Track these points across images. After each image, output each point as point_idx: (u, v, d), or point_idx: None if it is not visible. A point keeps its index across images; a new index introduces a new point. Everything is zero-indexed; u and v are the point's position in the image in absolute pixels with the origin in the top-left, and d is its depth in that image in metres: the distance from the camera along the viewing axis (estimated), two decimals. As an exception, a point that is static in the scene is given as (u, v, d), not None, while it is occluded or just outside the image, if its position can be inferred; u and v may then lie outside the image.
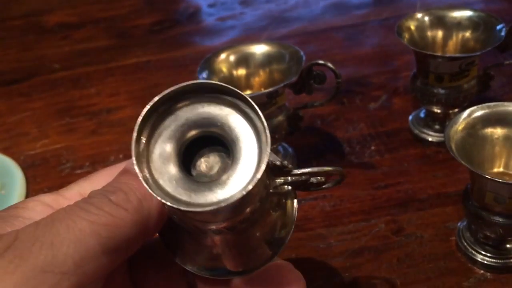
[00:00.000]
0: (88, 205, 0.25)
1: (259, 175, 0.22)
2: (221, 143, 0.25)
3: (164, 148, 0.24)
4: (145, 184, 0.23)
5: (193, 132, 0.24)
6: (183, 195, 0.23)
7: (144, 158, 0.24)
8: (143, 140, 0.24)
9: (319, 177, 0.30)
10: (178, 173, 0.24)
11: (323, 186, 0.31)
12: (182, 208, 0.22)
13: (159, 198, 0.22)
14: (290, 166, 0.27)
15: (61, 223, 0.24)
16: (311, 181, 0.29)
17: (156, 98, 0.24)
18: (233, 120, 0.24)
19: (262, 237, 0.27)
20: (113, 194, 0.25)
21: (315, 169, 0.29)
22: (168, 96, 0.24)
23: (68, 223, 0.24)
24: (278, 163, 0.26)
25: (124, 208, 0.25)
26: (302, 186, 0.30)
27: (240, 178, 0.23)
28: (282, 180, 0.29)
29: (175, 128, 0.24)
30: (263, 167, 0.22)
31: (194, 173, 0.25)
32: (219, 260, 0.27)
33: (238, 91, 0.24)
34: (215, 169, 0.25)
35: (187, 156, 0.25)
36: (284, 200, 0.29)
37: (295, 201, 0.29)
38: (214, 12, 0.84)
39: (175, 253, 0.28)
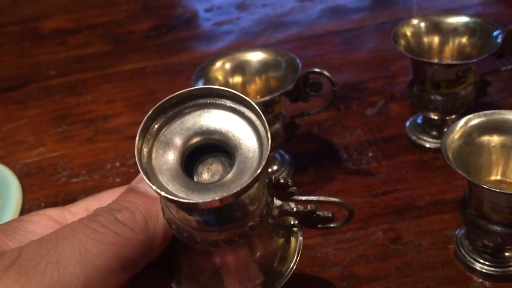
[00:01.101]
0: (94, 223, 0.24)
1: (257, 173, 0.22)
2: (224, 150, 0.25)
3: (168, 149, 0.24)
4: (143, 176, 0.23)
5: (198, 138, 0.24)
6: (180, 193, 0.23)
7: (147, 154, 0.24)
8: (149, 137, 0.24)
9: (326, 212, 0.30)
10: (179, 174, 0.24)
11: (331, 225, 0.31)
12: (176, 199, 0.22)
13: (154, 188, 0.22)
14: (294, 188, 0.27)
15: (66, 241, 0.23)
16: (318, 214, 0.29)
17: (166, 99, 0.24)
18: (237, 127, 0.24)
19: (260, 261, 0.27)
20: (120, 213, 0.25)
21: (321, 197, 0.29)
22: (177, 99, 0.24)
23: (74, 241, 0.23)
24: (281, 180, 0.26)
25: (131, 227, 0.25)
26: (308, 220, 0.29)
27: (241, 181, 0.23)
28: (287, 209, 0.29)
29: (181, 132, 0.24)
30: (262, 164, 0.22)
31: (196, 179, 0.25)
32: (215, 284, 0.27)
33: (244, 96, 0.24)
34: (217, 176, 0.25)
35: (190, 163, 0.25)
36: (289, 235, 0.29)
37: (300, 239, 0.29)
38: (210, 17, 0.83)
39: (172, 277, 0.28)
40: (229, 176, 0.23)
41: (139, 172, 0.24)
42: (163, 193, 0.22)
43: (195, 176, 0.25)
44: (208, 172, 0.25)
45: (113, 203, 0.26)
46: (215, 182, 0.24)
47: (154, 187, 0.22)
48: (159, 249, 0.26)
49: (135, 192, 0.27)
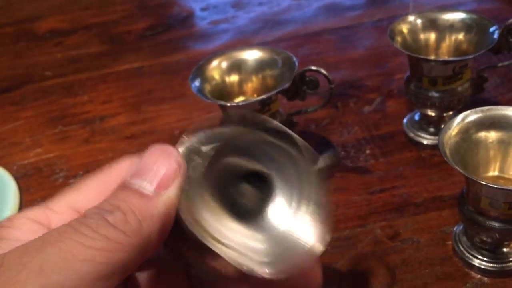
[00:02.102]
0: (84, 227, 0.23)
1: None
2: (261, 177, 0.25)
3: (206, 175, 0.24)
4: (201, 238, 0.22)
5: (238, 167, 0.24)
6: (216, 232, 0.22)
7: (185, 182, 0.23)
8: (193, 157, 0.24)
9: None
10: (214, 202, 0.23)
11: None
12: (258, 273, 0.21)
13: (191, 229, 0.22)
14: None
15: (53, 246, 0.22)
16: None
17: (211, 119, 0.24)
18: (274, 154, 0.24)
19: None
20: (111, 214, 0.23)
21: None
22: (226, 120, 0.24)
23: (61, 247, 0.22)
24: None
25: (122, 230, 0.23)
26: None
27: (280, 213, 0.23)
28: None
29: (221, 159, 0.24)
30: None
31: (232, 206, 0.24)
32: None
33: (287, 130, 0.24)
34: (253, 201, 0.25)
35: (226, 187, 0.25)
36: None
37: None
38: (206, 15, 0.83)
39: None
40: (268, 207, 0.23)
41: None
42: (245, 268, 0.21)
43: (231, 200, 0.24)
44: (245, 197, 0.25)
45: (105, 203, 0.25)
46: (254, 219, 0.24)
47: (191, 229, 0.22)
48: (154, 251, 0.26)
49: (128, 190, 0.25)
